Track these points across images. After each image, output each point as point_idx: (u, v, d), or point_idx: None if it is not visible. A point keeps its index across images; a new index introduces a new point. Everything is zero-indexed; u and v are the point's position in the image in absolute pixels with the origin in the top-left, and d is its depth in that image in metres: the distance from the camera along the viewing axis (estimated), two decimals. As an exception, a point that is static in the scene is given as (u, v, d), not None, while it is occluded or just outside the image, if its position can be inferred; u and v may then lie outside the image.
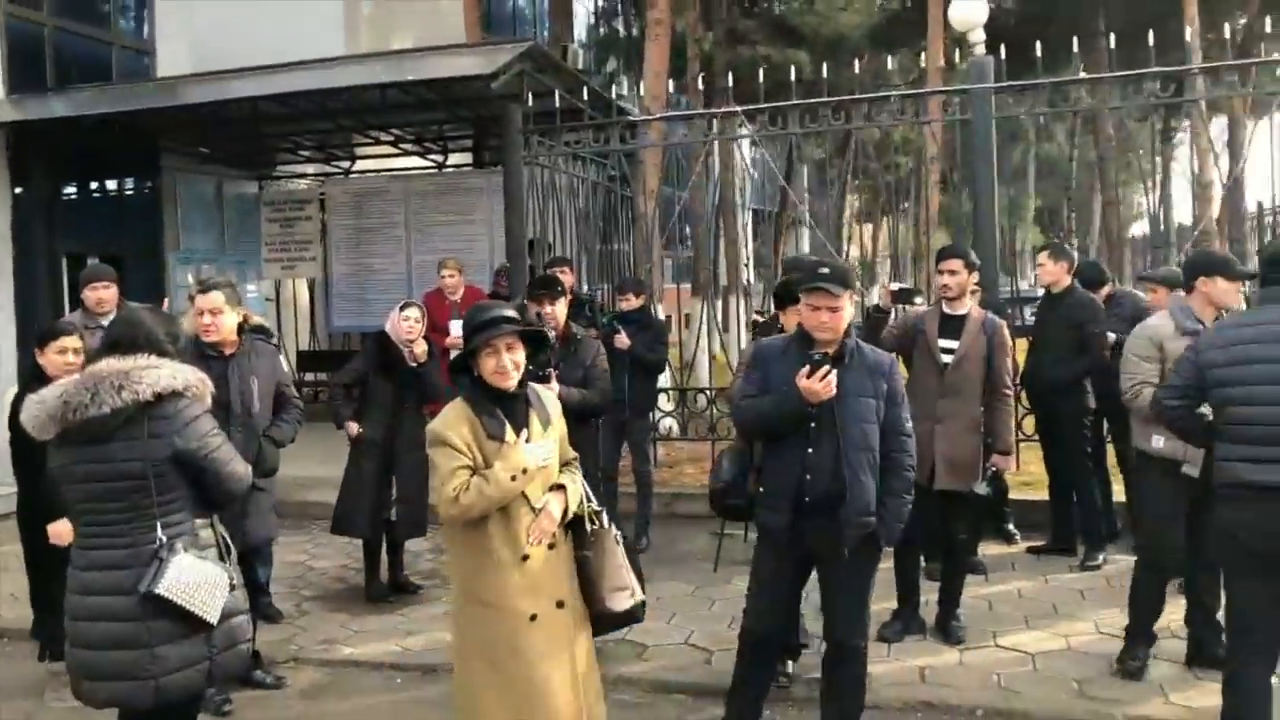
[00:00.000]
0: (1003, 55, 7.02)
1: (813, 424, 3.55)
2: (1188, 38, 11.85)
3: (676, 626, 5.27)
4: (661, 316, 9.36)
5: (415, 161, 12.52)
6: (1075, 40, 7.85)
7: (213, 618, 3.01)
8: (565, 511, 3.16)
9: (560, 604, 3.11)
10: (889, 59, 14.03)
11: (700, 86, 14.65)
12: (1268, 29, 7.59)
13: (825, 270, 3.58)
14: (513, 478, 3.00)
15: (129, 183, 11.74)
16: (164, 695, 2.97)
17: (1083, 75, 6.92)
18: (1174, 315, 4.32)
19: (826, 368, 3.46)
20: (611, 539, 3.27)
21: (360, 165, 12.57)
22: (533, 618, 3.04)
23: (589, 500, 3.28)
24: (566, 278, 6.96)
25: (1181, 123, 26.24)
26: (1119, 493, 6.36)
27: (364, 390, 5.77)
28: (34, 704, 4.56)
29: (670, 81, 18.82)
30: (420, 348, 5.71)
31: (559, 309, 4.89)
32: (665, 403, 8.26)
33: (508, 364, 3.10)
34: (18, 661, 5.06)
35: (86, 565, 3.04)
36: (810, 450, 3.56)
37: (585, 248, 8.98)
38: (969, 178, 7.20)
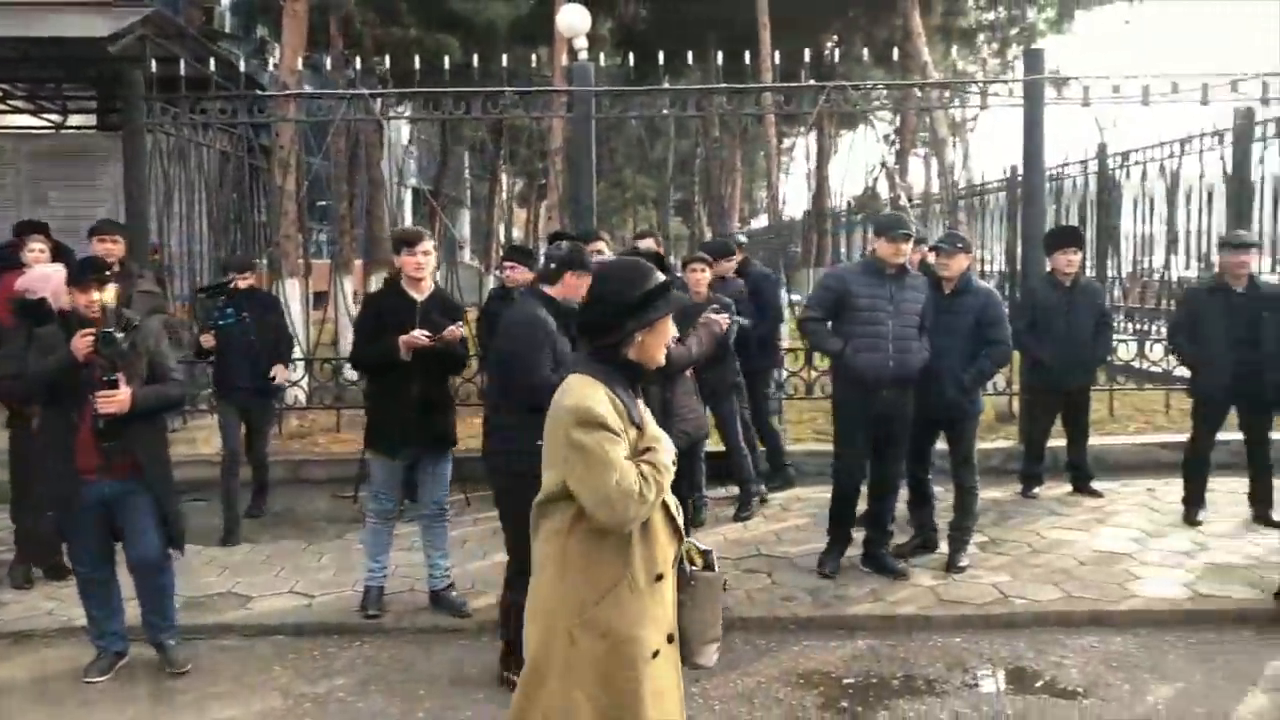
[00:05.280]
0: (631, 60, 7.89)
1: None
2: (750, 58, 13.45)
3: (282, 579, 5.65)
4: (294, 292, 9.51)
5: (29, 120, 11.72)
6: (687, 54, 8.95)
7: None
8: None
9: (670, 638, 2.61)
10: (537, 51, 14.83)
11: (347, 62, 14.65)
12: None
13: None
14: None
15: None
16: None
17: (665, 86, 7.93)
18: None
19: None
20: (718, 585, 2.78)
21: (-41, 120, 11.60)
22: (655, 654, 2.53)
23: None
24: (116, 247, 6.01)
25: (795, 129, 29.53)
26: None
27: None
28: None
29: (326, 56, 18.57)
30: None
31: (107, 296, 4.10)
32: (295, 374, 8.31)
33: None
34: None
35: None
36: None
37: (213, 219, 8.93)
38: (571, 170, 8.00)
